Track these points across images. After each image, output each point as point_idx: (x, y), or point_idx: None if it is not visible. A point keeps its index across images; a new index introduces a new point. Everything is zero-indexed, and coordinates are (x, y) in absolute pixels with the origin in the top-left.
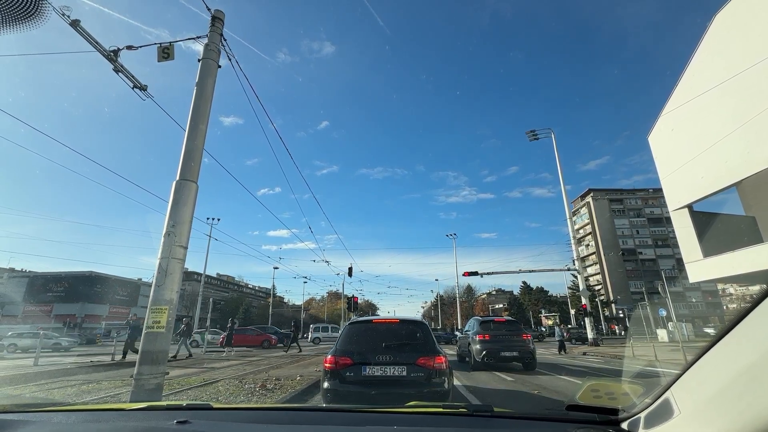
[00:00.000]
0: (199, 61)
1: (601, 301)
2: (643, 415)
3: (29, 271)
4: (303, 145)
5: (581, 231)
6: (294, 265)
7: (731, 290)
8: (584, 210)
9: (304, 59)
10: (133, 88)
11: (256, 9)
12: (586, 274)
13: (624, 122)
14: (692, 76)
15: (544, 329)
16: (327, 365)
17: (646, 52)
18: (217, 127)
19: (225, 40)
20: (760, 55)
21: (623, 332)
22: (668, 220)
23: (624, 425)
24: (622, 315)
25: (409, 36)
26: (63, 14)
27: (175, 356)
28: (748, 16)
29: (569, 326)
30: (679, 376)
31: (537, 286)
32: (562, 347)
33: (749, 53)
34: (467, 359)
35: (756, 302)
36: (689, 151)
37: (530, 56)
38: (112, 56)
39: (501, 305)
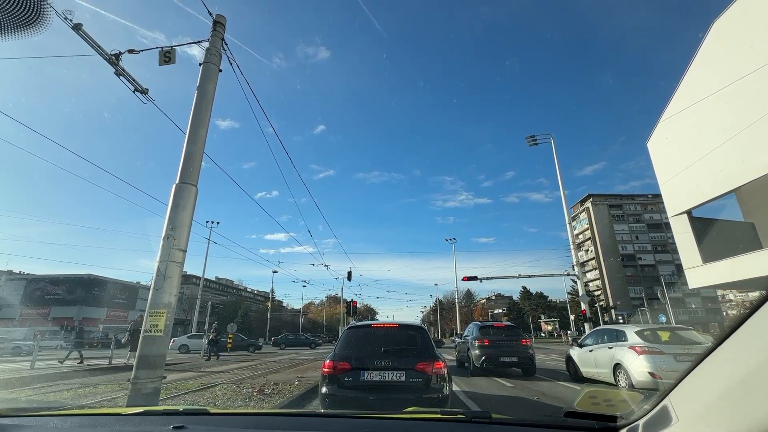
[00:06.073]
0: (200, 65)
1: (601, 306)
2: (641, 422)
3: (27, 274)
4: (299, 149)
5: (580, 236)
6: (293, 269)
7: (731, 296)
8: (583, 215)
9: (299, 64)
10: (134, 92)
11: (250, 13)
12: (585, 280)
13: (620, 128)
14: (691, 82)
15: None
16: (325, 370)
17: (641, 59)
18: (213, 130)
19: (226, 44)
20: (758, 62)
21: None
22: (667, 225)
23: None
24: (621, 321)
25: (406, 41)
26: (65, 18)
27: None
28: (746, 24)
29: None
30: (678, 383)
31: (536, 292)
32: None
33: (748, 60)
34: (466, 364)
35: (753, 309)
36: (688, 158)
37: (526, 62)
38: (113, 60)
39: (500, 310)
